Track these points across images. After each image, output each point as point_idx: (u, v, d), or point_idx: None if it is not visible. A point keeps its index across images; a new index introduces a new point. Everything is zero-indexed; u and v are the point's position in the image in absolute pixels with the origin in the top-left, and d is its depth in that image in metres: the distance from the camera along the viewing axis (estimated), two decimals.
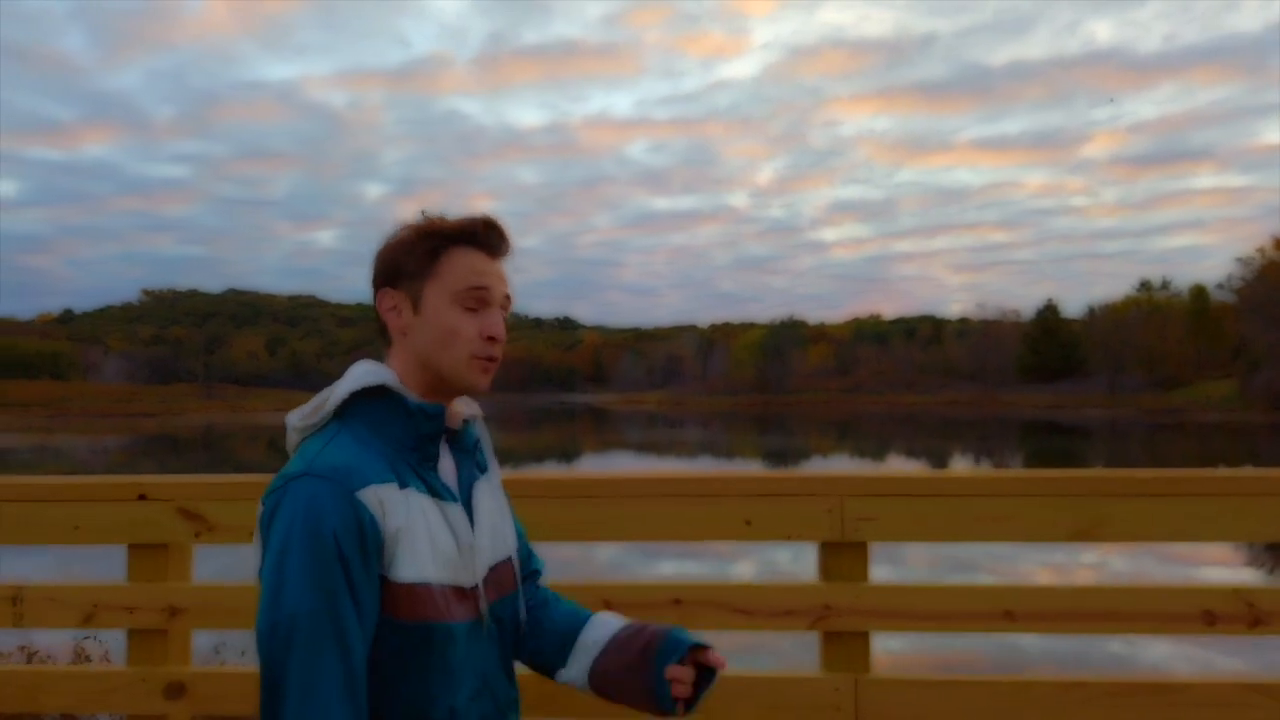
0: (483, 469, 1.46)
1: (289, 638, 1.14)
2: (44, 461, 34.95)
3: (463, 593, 1.31)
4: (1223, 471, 1.97)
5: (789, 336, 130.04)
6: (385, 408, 1.31)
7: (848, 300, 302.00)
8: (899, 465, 30.75)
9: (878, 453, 35.97)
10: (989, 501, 1.98)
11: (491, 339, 1.35)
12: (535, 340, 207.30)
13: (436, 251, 1.34)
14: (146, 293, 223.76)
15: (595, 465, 32.12)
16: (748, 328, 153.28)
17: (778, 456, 34.47)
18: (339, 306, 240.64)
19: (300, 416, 1.33)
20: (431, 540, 1.27)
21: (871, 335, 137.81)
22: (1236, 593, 1.90)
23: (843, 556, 2.01)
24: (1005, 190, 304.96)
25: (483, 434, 1.49)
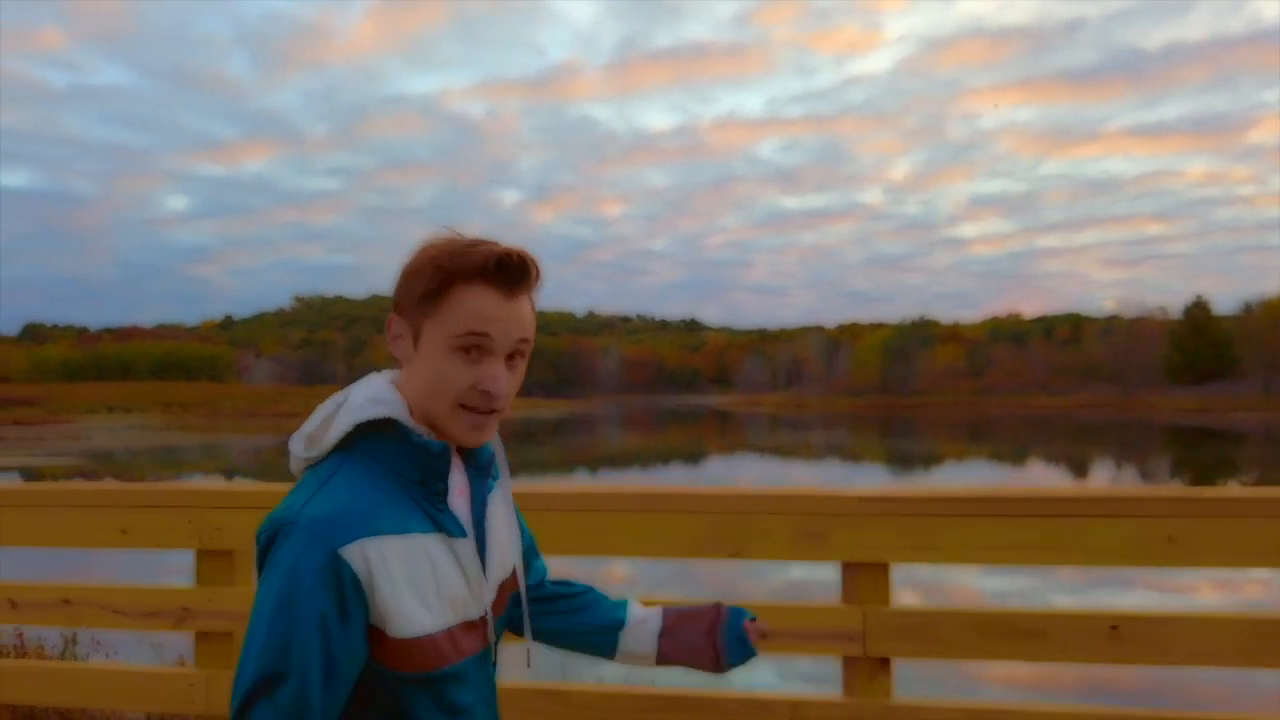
0: (494, 477, 1.40)
1: (270, 686, 1.11)
2: (208, 459, 38.27)
3: (471, 625, 1.28)
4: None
5: (917, 337, 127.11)
6: (389, 441, 1.23)
7: (987, 299, 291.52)
8: (1038, 472, 30.17)
9: (1015, 457, 35.17)
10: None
11: (486, 393, 1.23)
12: (660, 342, 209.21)
13: (442, 288, 1.21)
14: (297, 299, 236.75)
15: (724, 469, 32.72)
16: (876, 328, 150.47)
17: (903, 461, 34.28)
18: None
19: (304, 446, 1.27)
20: (437, 586, 1.22)
21: (1008, 335, 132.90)
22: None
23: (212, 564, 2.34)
24: (1162, 180, 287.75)
25: (497, 446, 1.40)
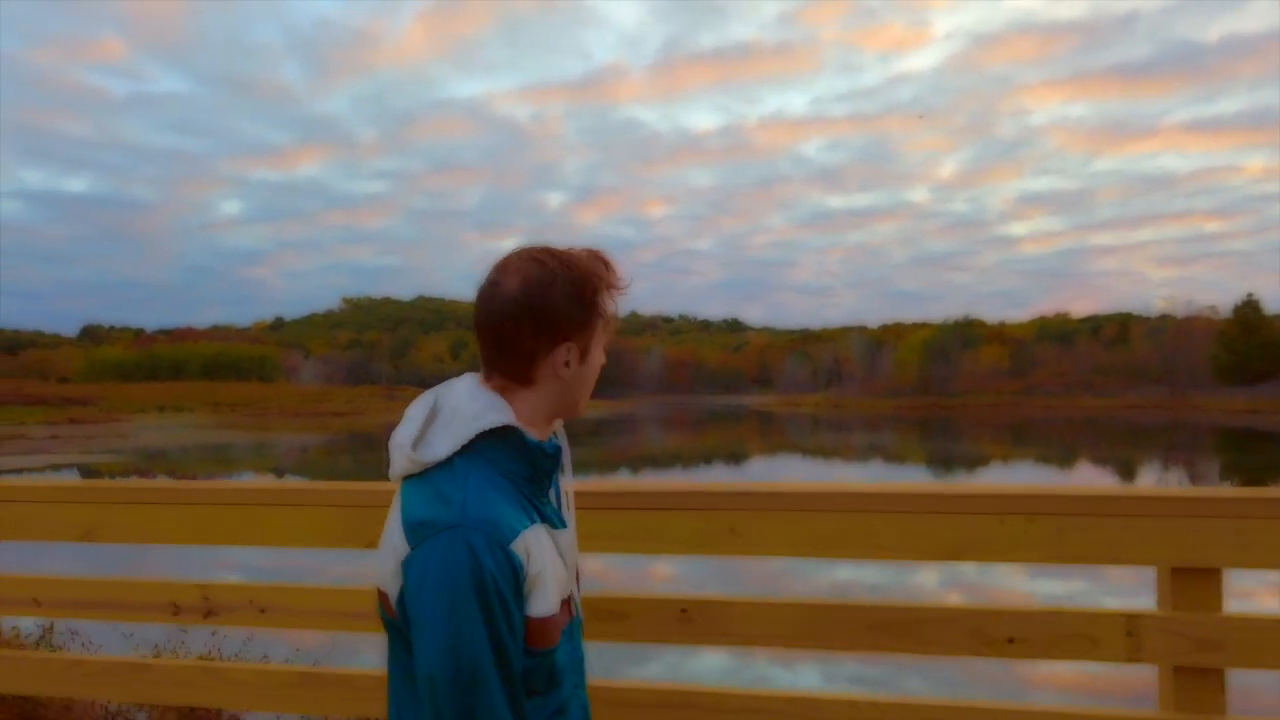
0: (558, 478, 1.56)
1: (473, 686, 1.23)
2: (257, 457, 39.24)
3: (566, 604, 1.45)
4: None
5: (960, 337, 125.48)
6: (504, 446, 1.37)
7: (1036, 298, 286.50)
8: (1086, 474, 29.94)
9: (1062, 460, 34.80)
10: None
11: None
12: (701, 342, 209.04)
13: (599, 301, 1.43)
14: (346, 300, 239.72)
15: (766, 469, 32.85)
16: (919, 328, 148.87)
17: (944, 463, 34.11)
18: None
19: (410, 450, 1.36)
20: (555, 572, 1.39)
21: (1055, 335, 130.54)
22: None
23: None
24: (1220, 175, 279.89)
25: (563, 440, 1.55)
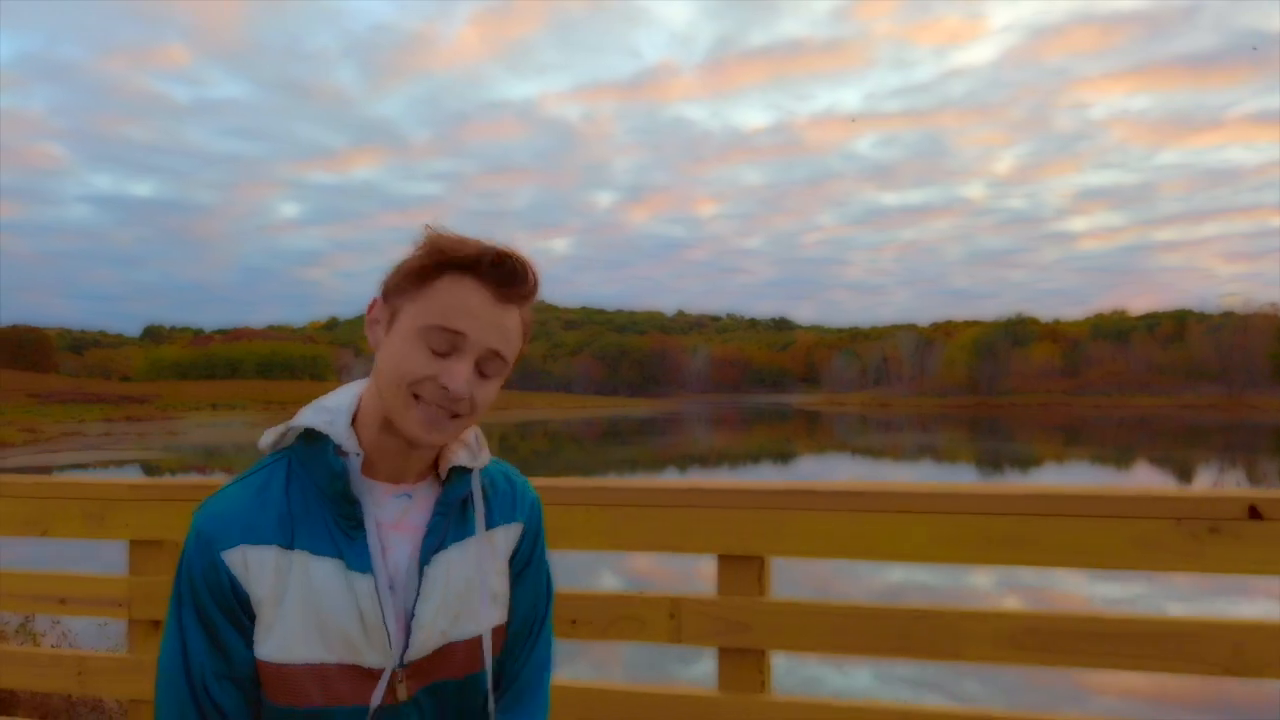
0: (470, 531, 1.24)
1: (164, 687, 1.13)
2: None
3: (362, 673, 1.14)
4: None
5: (1012, 335, 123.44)
6: (314, 453, 1.16)
7: (1096, 294, 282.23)
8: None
9: (1118, 460, 34.06)
10: None
11: (444, 389, 1.11)
12: (748, 341, 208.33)
13: (429, 274, 1.12)
14: None
15: (816, 468, 32.67)
16: (970, 326, 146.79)
17: (992, 463, 33.58)
18: (566, 310, 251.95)
19: (272, 437, 1.23)
20: (317, 613, 1.12)
21: (1111, 333, 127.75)
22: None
23: None
24: None
25: (476, 490, 1.25)
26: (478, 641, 1.24)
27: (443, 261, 1.11)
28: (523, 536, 1.31)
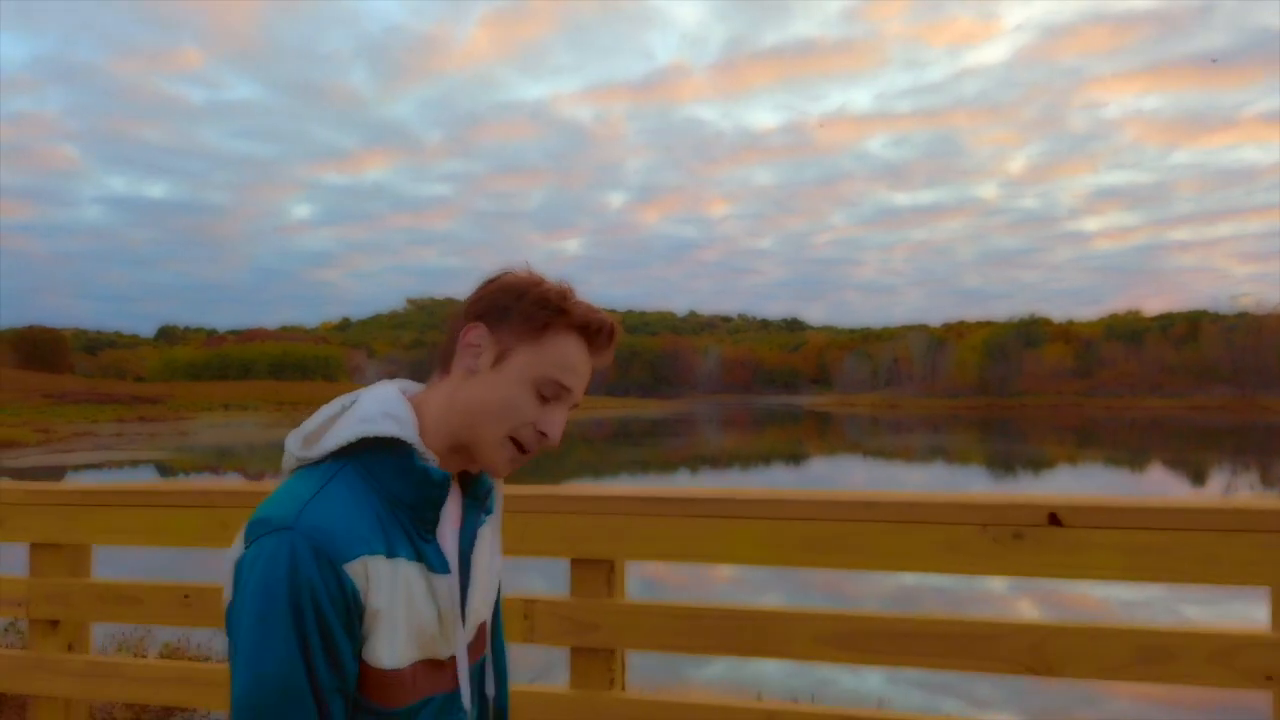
0: (489, 512, 1.37)
1: (274, 701, 1.06)
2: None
3: (438, 665, 1.22)
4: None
5: (1023, 336, 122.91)
6: (388, 460, 1.18)
7: (1110, 295, 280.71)
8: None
9: (1132, 463, 33.87)
10: None
11: (543, 435, 1.23)
12: (759, 342, 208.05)
13: (549, 326, 1.21)
14: (410, 301, 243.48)
15: (829, 470, 32.63)
16: (982, 326, 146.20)
17: (1004, 465, 33.42)
18: None
19: (300, 443, 1.21)
20: (410, 618, 1.17)
21: (1124, 333, 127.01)
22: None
23: None
24: None
25: (498, 487, 1.40)
26: (485, 624, 1.37)
27: (569, 319, 1.22)
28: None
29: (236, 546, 1.14)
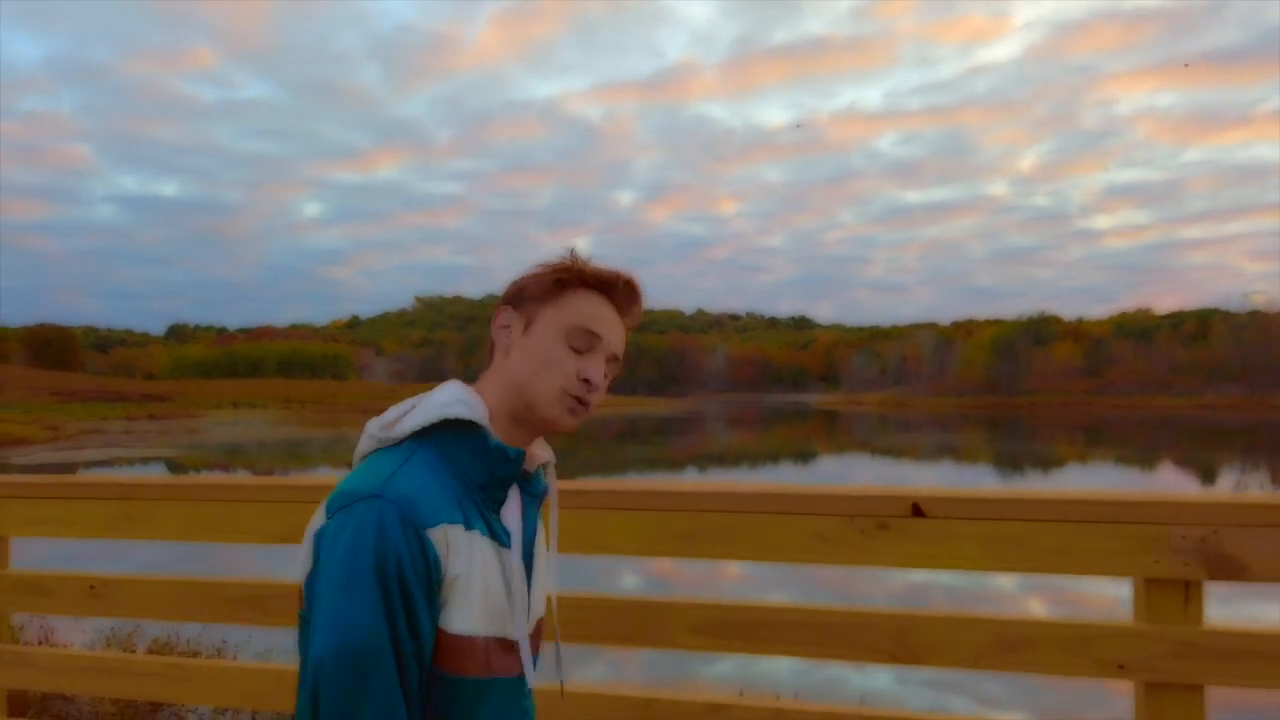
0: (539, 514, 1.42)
1: (361, 672, 1.08)
2: (340, 450, 40.21)
3: (508, 645, 1.25)
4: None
5: (1032, 334, 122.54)
6: (464, 441, 1.26)
7: (1121, 293, 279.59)
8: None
9: (1142, 462, 33.70)
10: None
11: (587, 381, 1.29)
12: (767, 340, 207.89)
13: (565, 285, 1.31)
14: (419, 299, 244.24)
15: (841, 468, 32.56)
16: (991, 325, 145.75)
17: (1012, 463, 33.30)
18: None
19: (380, 426, 1.29)
20: (485, 590, 1.22)
21: (1135, 332, 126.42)
22: None
23: None
24: None
25: (551, 481, 1.44)
26: (549, 614, 1.44)
27: (585, 277, 1.32)
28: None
29: (317, 519, 1.19)
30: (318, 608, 1.12)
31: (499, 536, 1.27)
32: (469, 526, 1.21)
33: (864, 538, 1.87)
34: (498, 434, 1.30)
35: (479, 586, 1.21)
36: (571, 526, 1.97)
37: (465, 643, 1.19)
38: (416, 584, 1.13)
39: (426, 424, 1.26)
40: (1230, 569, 1.73)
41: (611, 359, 1.34)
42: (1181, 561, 1.74)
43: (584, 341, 1.30)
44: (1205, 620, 1.76)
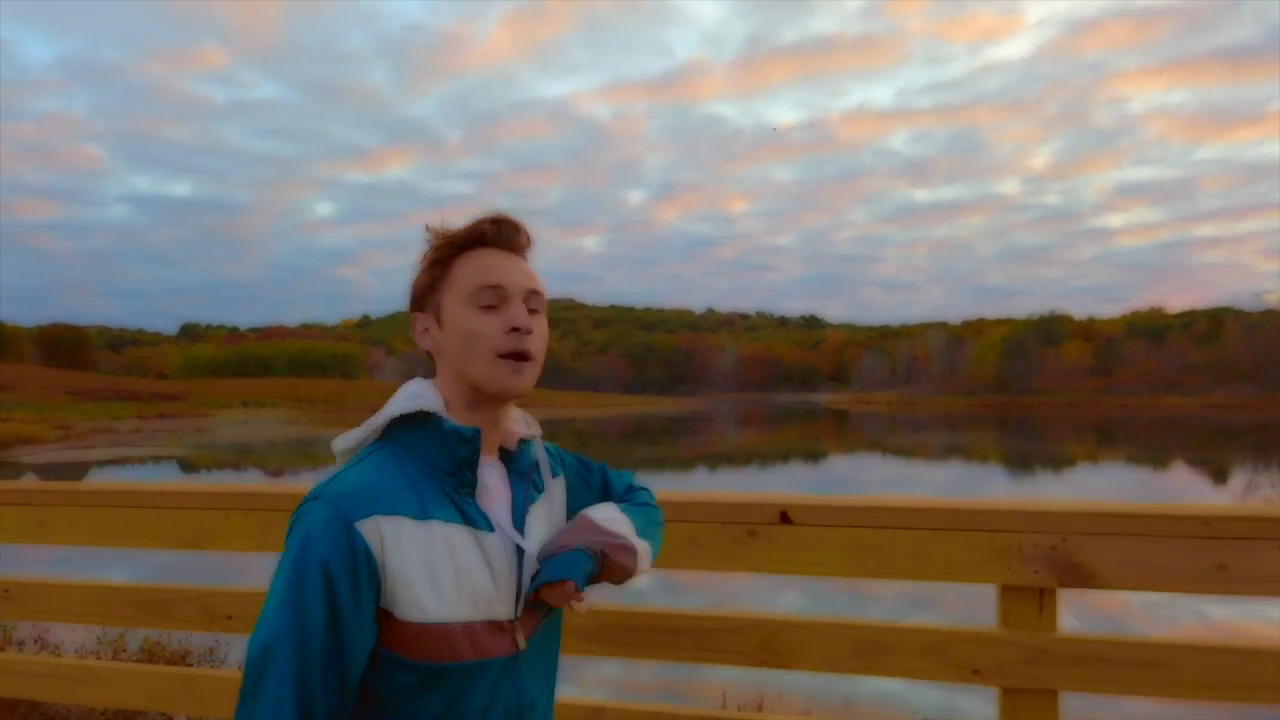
0: (540, 490, 1.41)
1: (261, 670, 1.11)
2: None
3: (498, 626, 1.26)
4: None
5: (1043, 333, 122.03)
6: (423, 431, 1.28)
7: (1133, 292, 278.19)
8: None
9: (1154, 462, 33.51)
10: None
11: (515, 329, 1.27)
12: (777, 339, 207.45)
13: (447, 261, 1.31)
14: None
15: (852, 469, 32.50)
16: (1001, 324, 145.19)
17: (1022, 463, 33.16)
18: (594, 309, 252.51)
19: (345, 441, 1.32)
20: (456, 576, 1.21)
21: (1146, 331, 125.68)
22: None
23: None
24: None
25: (540, 454, 1.43)
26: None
27: (455, 242, 1.31)
28: (570, 488, 1.49)
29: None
30: (266, 599, 1.16)
31: (474, 521, 1.26)
32: (424, 517, 1.21)
33: (733, 544, 1.91)
34: (459, 422, 1.30)
35: (445, 572, 1.20)
36: None
37: (431, 629, 1.19)
38: (342, 579, 1.13)
39: (385, 422, 1.29)
40: (1079, 577, 1.76)
41: (530, 295, 1.31)
42: (1033, 569, 1.77)
43: (490, 297, 1.28)
44: (1060, 628, 1.79)
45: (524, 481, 1.36)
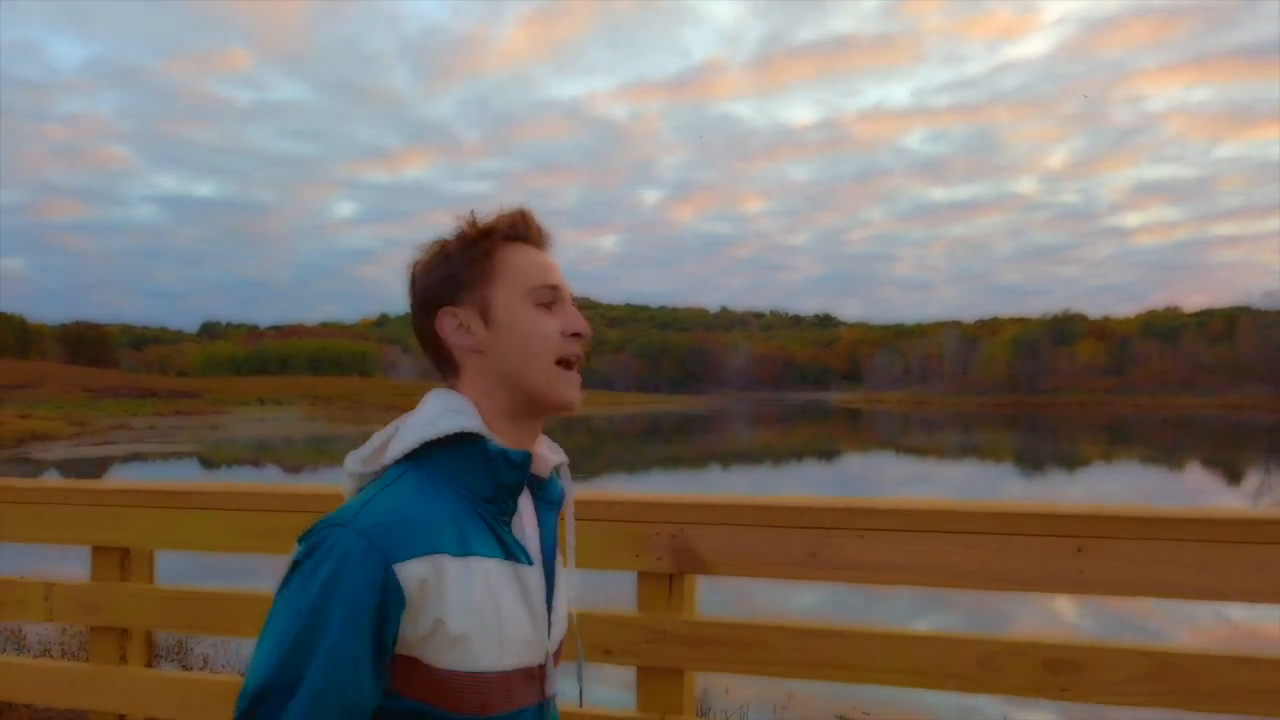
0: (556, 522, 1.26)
1: (255, 700, 0.98)
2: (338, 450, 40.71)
3: (530, 674, 1.14)
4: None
5: (1057, 332, 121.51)
6: (461, 453, 1.12)
7: (1150, 291, 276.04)
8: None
9: (1169, 462, 33.51)
10: None
11: (577, 335, 1.18)
12: (791, 338, 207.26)
13: (491, 253, 1.17)
14: None
15: (861, 468, 32.70)
16: (1015, 323, 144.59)
17: (1034, 463, 33.25)
18: (609, 307, 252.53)
19: (359, 460, 1.16)
20: (499, 618, 1.09)
21: (1161, 330, 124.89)
22: None
23: None
24: None
25: (567, 485, 1.27)
26: (571, 629, 1.30)
27: (499, 237, 1.18)
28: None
29: (295, 548, 1.07)
30: (264, 635, 1.03)
31: (515, 554, 1.13)
32: (465, 553, 1.07)
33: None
34: (497, 438, 1.15)
35: (488, 617, 1.08)
36: (239, 528, 2.20)
37: (475, 681, 1.07)
38: (368, 626, 1.00)
39: (419, 444, 1.12)
40: (695, 564, 1.91)
41: (573, 300, 1.23)
42: (656, 556, 1.92)
43: (549, 295, 1.18)
44: (693, 611, 1.95)
45: (553, 512, 1.23)
